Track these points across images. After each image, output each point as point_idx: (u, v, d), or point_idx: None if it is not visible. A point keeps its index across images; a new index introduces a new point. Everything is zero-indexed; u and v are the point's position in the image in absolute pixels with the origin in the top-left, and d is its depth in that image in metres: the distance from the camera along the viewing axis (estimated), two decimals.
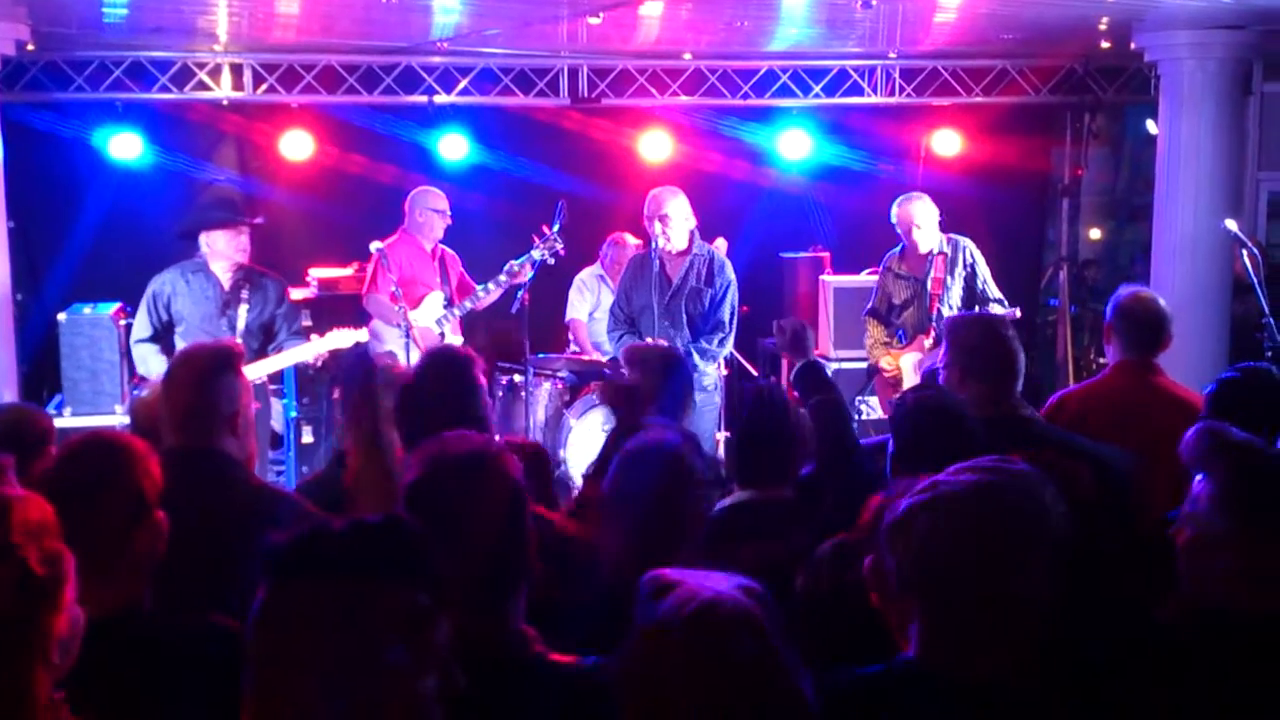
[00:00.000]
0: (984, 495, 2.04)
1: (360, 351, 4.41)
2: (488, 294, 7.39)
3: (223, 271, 6.69)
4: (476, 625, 2.15)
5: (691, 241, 6.77)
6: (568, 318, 8.46)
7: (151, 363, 6.62)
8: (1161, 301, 4.64)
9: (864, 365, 7.98)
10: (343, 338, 6.89)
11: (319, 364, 6.94)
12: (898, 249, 7.13)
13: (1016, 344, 4.12)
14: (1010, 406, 4.02)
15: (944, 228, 7.04)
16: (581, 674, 2.26)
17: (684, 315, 6.71)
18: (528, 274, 7.24)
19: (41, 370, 8.31)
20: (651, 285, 6.65)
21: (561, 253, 7.27)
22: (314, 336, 6.94)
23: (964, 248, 7.00)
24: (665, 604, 1.78)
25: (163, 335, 6.67)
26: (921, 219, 6.93)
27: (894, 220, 7.06)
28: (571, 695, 2.22)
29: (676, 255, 6.74)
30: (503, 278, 7.31)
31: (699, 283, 6.72)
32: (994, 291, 6.97)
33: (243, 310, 6.66)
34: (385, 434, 3.66)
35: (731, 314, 6.77)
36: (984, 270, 6.99)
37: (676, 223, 6.68)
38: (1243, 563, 2.42)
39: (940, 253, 6.93)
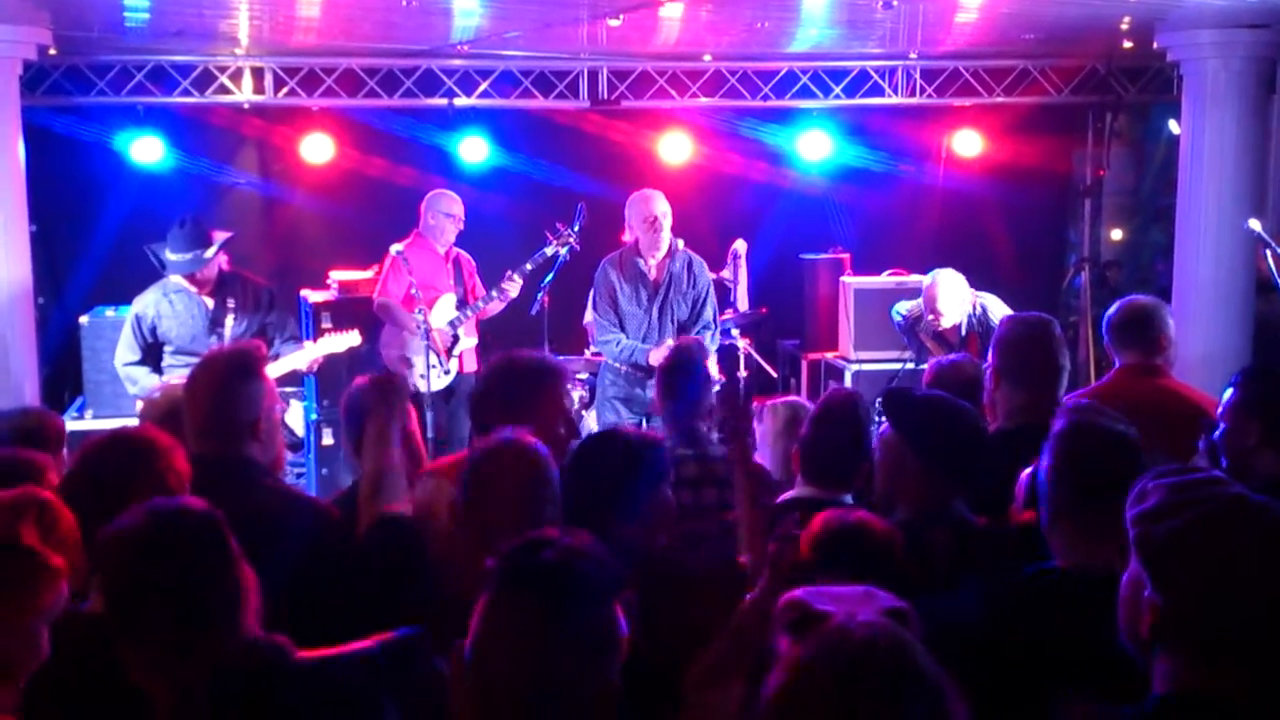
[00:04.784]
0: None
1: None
2: (499, 294, 7.36)
3: (201, 286, 6.50)
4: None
5: (671, 242, 6.79)
6: (586, 319, 8.44)
7: (143, 380, 6.46)
8: (1151, 305, 4.51)
9: (884, 367, 7.95)
10: (337, 342, 6.80)
11: (314, 370, 6.85)
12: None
13: (1058, 347, 3.93)
14: (1049, 414, 3.86)
15: (965, 230, 7.01)
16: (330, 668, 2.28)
17: (671, 317, 6.75)
18: (537, 275, 7.28)
19: (63, 373, 8.35)
20: (637, 289, 6.74)
21: (576, 247, 7.26)
22: (308, 343, 6.87)
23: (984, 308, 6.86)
24: (821, 638, 1.69)
25: (150, 356, 6.50)
26: (944, 301, 6.79)
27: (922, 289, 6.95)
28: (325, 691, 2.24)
29: (660, 258, 6.77)
30: (508, 284, 7.30)
31: (684, 284, 6.77)
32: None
33: (229, 321, 6.47)
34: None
35: (714, 310, 6.90)
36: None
37: (668, 224, 6.72)
38: None
39: (972, 331, 6.79)
